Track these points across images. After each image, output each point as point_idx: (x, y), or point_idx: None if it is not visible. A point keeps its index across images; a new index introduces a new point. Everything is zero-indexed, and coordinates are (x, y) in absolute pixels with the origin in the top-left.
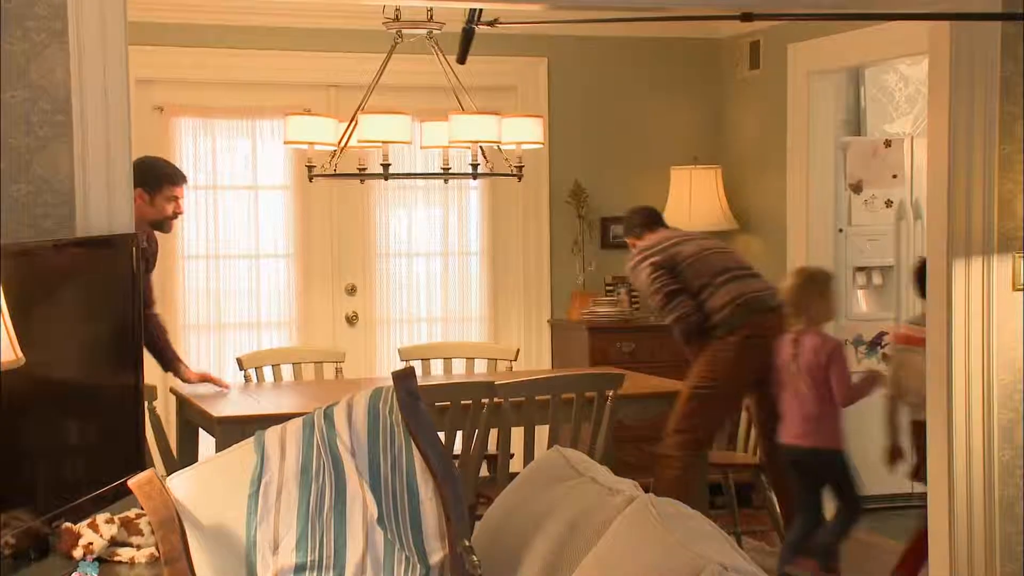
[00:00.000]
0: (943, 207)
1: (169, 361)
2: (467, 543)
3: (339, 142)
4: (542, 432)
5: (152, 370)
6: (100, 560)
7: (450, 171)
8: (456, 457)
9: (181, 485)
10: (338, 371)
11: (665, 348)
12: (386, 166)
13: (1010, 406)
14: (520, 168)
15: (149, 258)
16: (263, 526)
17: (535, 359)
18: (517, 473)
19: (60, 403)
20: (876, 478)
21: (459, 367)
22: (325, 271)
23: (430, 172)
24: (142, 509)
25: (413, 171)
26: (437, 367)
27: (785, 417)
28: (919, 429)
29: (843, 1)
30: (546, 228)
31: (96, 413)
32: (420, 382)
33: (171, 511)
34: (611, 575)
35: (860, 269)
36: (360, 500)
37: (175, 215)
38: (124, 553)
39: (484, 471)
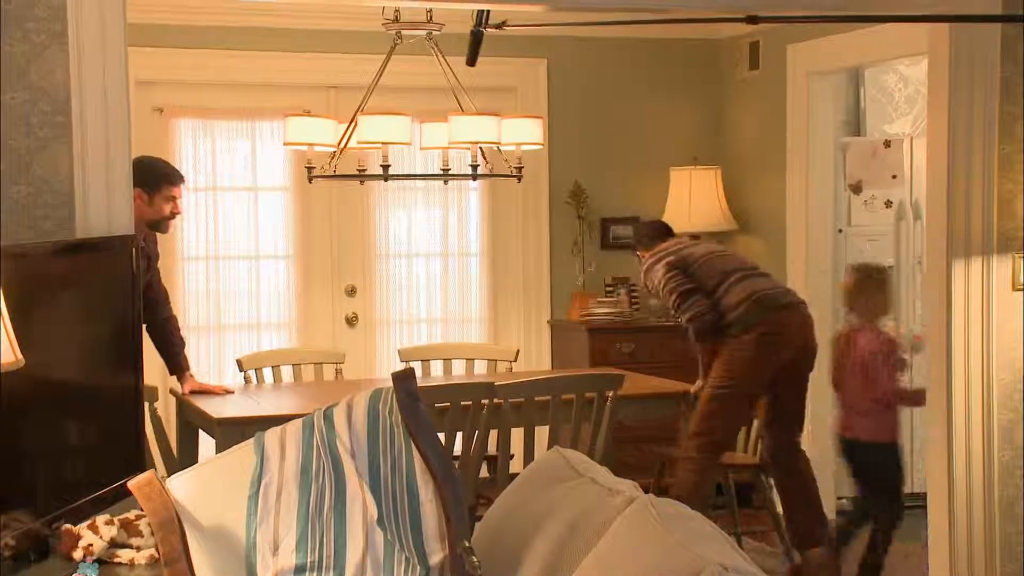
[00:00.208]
0: (943, 207)
1: (176, 367)
2: (467, 544)
3: (339, 143)
4: (542, 433)
5: (153, 371)
6: (100, 561)
7: (450, 172)
8: (456, 458)
9: (181, 486)
10: (338, 372)
11: (665, 349)
12: (386, 167)
13: (1010, 406)
14: (520, 169)
15: (150, 257)
16: (263, 527)
17: (535, 360)
18: (517, 474)
19: (60, 404)
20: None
21: (459, 368)
22: (325, 272)
23: (430, 173)
24: (142, 510)
25: (413, 172)
26: (437, 368)
27: (842, 411)
28: None
29: (845, 3)
30: (546, 229)
31: (96, 414)
32: (420, 383)
33: (171, 512)
34: None
35: None
36: (360, 501)
37: (173, 215)
38: (124, 554)
39: (484, 472)
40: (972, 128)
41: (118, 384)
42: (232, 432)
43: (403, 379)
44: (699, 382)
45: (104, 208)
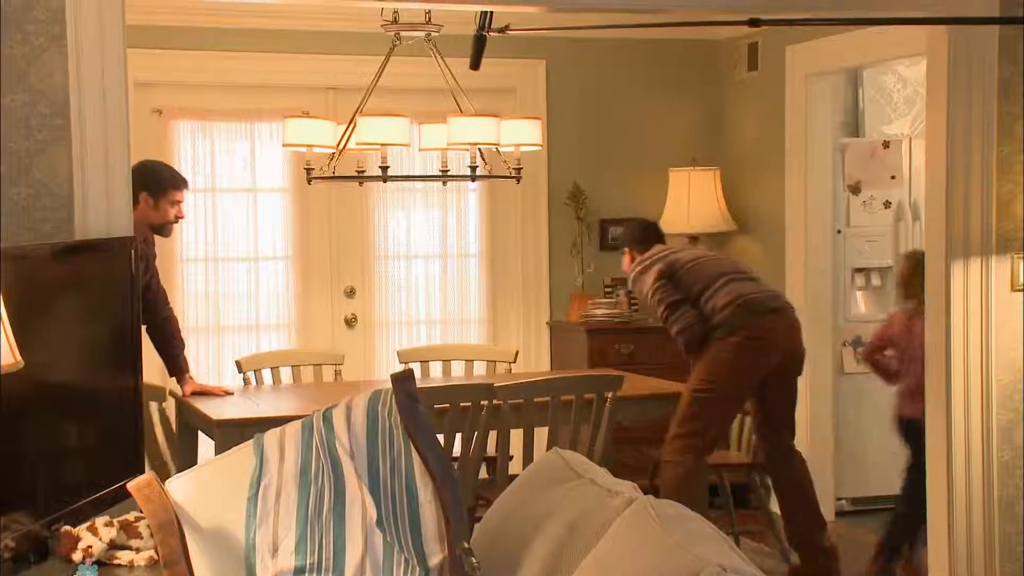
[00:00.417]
0: (942, 208)
1: (176, 369)
2: (466, 545)
3: (338, 144)
4: (541, 434)
5: (153, 372)
6: (99, 563)
7: (449, 173)
8: (455, 459)
9: (180, 488)
10: (337, 373)
11: (664, 350)
12: (385, 168)
13: (1009, 406)
14: (519, 170)
15: (149, 259)
16: (262, 528)
17: (534, 361)
18: (516, 475)
19: (59, 406)
20: (876, 479)
21: (458, 369)
22: (324, 273)
23: (429, 174)
24: (141, 512)
25: (412, 173)
26: (436, 369)
27: (903, 395)
28: None
29: (844, 4)
30: (545, 230)
31: (95, 416)
32: (419, 384)
33: (170, 514)
34: None
35: (859, 270)
36: (359, 502)
37: (177, 219)
38: (123, 556)
39: (483, 473)
40: (971, 129)
41: (117, 386)
42: (231, 434)
43: (402, 380)
44: None
45: (103, 210)
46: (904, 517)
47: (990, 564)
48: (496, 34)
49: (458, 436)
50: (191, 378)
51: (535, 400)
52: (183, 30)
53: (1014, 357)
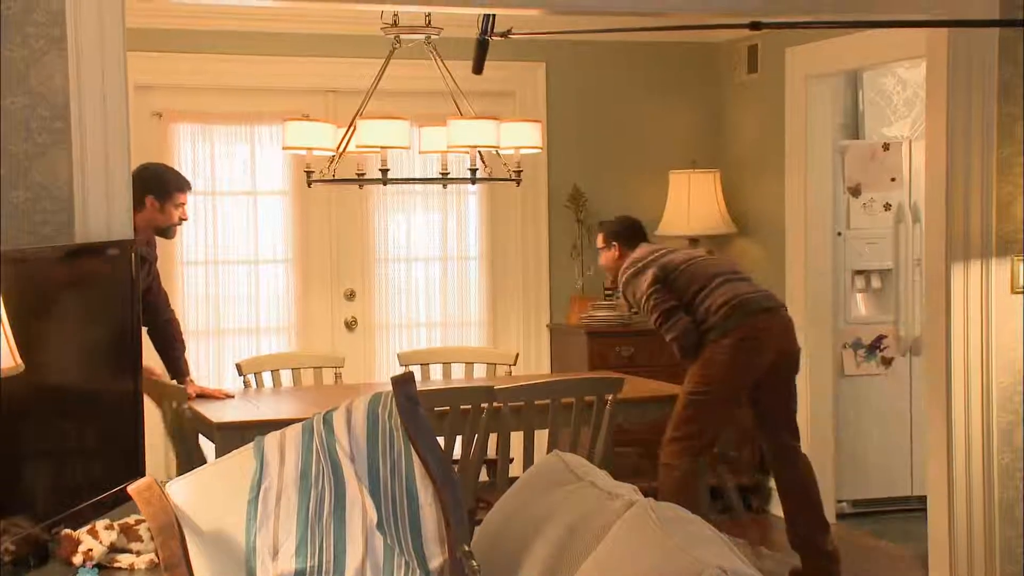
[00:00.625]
0: (942, 210)
1: (178, 372)
2: (467, 548)
3: (338, 147)
4: (541, 436)
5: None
6: (100, 566)
7: (449, 176)
8: (455, 462)
9: (180, 491)
10: (337, 376)
11: (664, 352)
12: (385, 171)
13: (1009, 408)
14: (519, 173)
15: (151, 263)
16: (263, 532)
17: (534, 363)
18: (516, 478)
19: (60, 409)
20: (877, 481)
21: (458, 372)
22: (324, 276)
23: (429, 177)
24: (141, 515)
25: (412, 176)
26: (436, 372)
27: None
28: None
29: (844, 6)
30: (545, 232)
31: (95, 419)
32: (419, 387)
33: (170, 517)
34: None
35: (859, 272)
36: (359, 505)
37: (181, 221)
38: (124, 559)
39: (483, 476)
40: (971, 131)
41: (117, 388)
42: (232, 436)
43: (402, 383)
44: None
45: (103, 213)
46: None
47: (990, 566)
48: (499, 38)
49: (458, 439)
50: (191, 381)
51: (535, 403)
52: (183, 33)
53: (1014, 359)
